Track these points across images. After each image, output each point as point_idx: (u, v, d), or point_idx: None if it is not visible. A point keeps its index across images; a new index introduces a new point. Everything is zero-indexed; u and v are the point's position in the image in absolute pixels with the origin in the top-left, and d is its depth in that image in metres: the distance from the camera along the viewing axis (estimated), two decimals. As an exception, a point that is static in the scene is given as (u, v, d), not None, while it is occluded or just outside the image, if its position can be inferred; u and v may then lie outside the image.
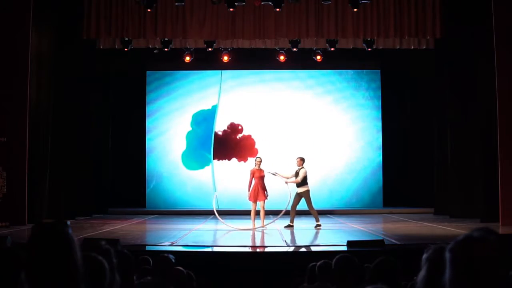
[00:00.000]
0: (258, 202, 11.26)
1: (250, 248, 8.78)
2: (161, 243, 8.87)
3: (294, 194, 11.62)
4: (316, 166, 16.13)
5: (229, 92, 16.93)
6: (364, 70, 16.97)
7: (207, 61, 15.85)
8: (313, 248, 8.57)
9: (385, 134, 16.83)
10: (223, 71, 16.78)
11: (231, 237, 10.46)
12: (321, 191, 16.33)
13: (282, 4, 12.41)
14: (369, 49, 14.23)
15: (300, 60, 15.82)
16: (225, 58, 15.20)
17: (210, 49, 14.40)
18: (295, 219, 11.66)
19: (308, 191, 11.54)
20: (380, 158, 16.76)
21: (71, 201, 13.17)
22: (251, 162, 11.56)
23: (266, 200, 11.27)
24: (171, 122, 16.89)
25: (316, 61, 15.35)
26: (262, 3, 12.74)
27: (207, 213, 15.04)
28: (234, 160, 16.76)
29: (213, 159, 16.76)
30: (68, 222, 2.14)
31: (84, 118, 13.93)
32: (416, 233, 10.45)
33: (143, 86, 16.94)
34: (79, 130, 13.74)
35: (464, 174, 13.18)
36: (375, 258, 3.41)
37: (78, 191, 13.54)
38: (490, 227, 1.86)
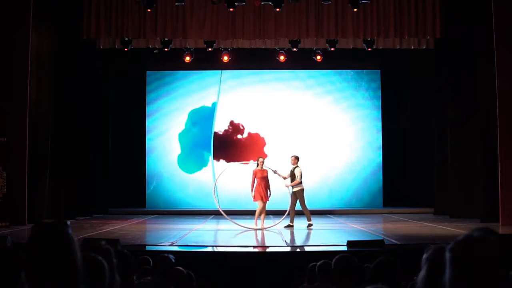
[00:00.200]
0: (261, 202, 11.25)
1: (250, 248, 8.78)
2: (161, 243, 8.87)
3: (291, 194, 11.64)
4: (316, 166, 16.16)
5: (229, 92, 16.93)
6: (364, 70, 16.98)
7: (207, 61, 15.85)
8: (313, 248, 8.57)
9: (385, 134, 16.84)
10: (223, 71, 16.78)
11: (231, 237, 10.46)
12: (321, 191, 16.35)
13: (282, 4, 12.41)
14: (369, 49, 14.23)
15: (300, 60, 15.82)
16: (225, 58, 15.20)
17: (210, 49, 14.40)
18: (295, 219, 11.66)
19: (302, 190, 11.54)
20: (380, 158, 16.76)
21: (71, 201, 13.17)
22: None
23: (266, 202, 11.25)
24: (171, 122, 16.89)
25: (316, 61, 15.35)
26: (262, 3, 12.74)
27: (207, 213, 15.07)
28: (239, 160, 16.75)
29: (214, 159, 16.76)
30: (68, 222, 2.14)
31: (84, 118, 13.93)
32: (416, 233, 10.45)
33: (143, 86, 16.94)
34: (79, 130, 13.74)
35: (464, 174, 13.18)
36: (375, 258, 3.41)
37: (78, 191, 13.54)
38: (490, 227, 1.86)
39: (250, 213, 12.61)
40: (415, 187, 16.09)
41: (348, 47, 14.50)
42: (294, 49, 14.39)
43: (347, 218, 14.03)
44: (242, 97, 16.87)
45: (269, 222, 11.58)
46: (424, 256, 2.55)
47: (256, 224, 11.34)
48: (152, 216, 14.62)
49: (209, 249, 8.70)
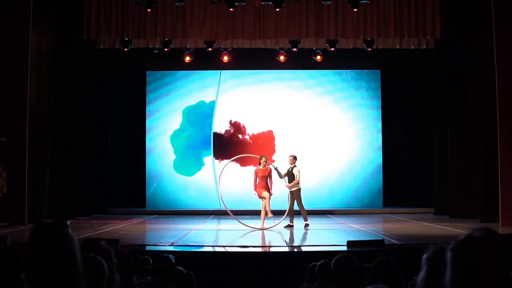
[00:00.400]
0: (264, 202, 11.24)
1: (250, 248, 8.77)
2: (161, 243, 8.87)
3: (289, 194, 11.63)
4: (316, 166, 16.16)
5: (229, 92, 16.92)
6: (364, 70, 16.97)
7: (207, 61, 15.85)
8: (313, 248, 8.56)
9: (385, 134, 16.83)
10: (222, 71, 16.78)
11: (231, 237, 10.46)
12: (321, 191, 16.35)
13: (282, 4, 12.40)
14: (369, 49, 14.22)
15: (300, 60, 15.81)
16: (225, 58, 15.20)
17: (210, 49, 14.40)
18: (294, 219, 11.66)
19: (299, 190, 11.54)
20: (380, 158, 16.76)
21: (71, 201, 13.17)
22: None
23: (271, 195, 11.24)
24: (171, 122, 16.89)
25: (316, 61, 15.35)
26: (262, 3, 12.73)
27: (207, 213, 15.08)
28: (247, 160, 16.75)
29: (215, 159, 16.75)
30: (68, 222, 2.14)
31: (84, 118, 13.93)
32: (416, 233, 10.45)
33: (143, 86, 16.93)
34: (79, 130, 13.74)
35: (464, 174, 13.18)
36: (375, 258, 3.41)
37: (78, 191, 13.54)
38: (490, 227, 1.86)
39: (249, 213, 12.61)
40: (415, 187, 16.08)
41: (348, 47, 14.50)
42: (294, 49, 14.39)
43: (347, 218, 14.03)
44: (242, 97, 16.87)
45: (269, 222, 11.58)
46: (424, 256, 2.55)
47: (263, 224, 11.30)
48: (152, 216, 14.62)
49: (209, 249, 8.69)
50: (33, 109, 11.84)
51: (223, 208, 15.68)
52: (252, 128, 16.83)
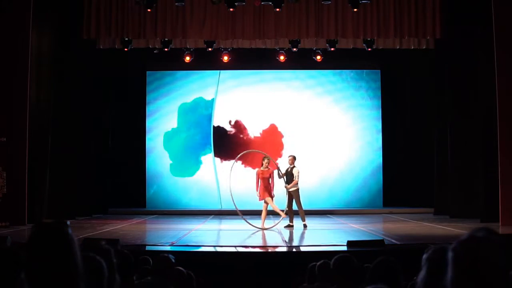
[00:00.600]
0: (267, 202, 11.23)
1: (250, 248, 8.77)
2: (161, 243, 8.87)
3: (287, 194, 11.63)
4: (316, 166, 16.16)
5: (229, 92, 16.92)
6: (364, 70, 16.97)
7: (207, 61, 15.85)
8: (313, 248, 8.56)
9: (385, 134, 16.83)
10: (222, 71, 16.78)
11: (231, 237, 10.46)
12: (321, 191, 16.35)
13: (282, 4, 12.40)
14: (369, 49, 14.22)
15: (300, 60, 15.81)
16: (225, 58, 15.20)
17: (210, 49, 14.40)
18: (294, 218, 11.65)
19: (298, 190, 11.54)
20: (380, 158, 16.76)
21: (71, 201, 13.17)
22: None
23: (270, 198, 11.22)
24: (171, 122, 16.88)
25: (316, 61, 15.35)
26: (262, 3, 12.73)
27: (207, 213, 15.08)
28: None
29: (215, 157, 16.76)
30: (68, 222, 2.14)
31: (84, 118, 13.93)
32: (416, 233, 10.45)
33: (143, 86, 16.94)
34: (79, 130, 13.74)
35: (464, 174, 13.18)
36: (375, 258, 3.41)
37: (78, 191, 13.54)
38: (491, 227, 1.86)
39: (249, 213, 12.60)
40: (415, 187, 16.08)
41: (348, 47, 14.50)
42: (294, 49, 14.39)
43: (347, 218, 14.03)
44: (242, 97, 16.86)
45: (269, 222, 11.58)
46: (424, 256, 2.55)
47: (263, 224, 11.30)
48: (152, 216, 14.62)
49: (209, 249, 8.69)
50: (33, 109, 11.84)
51: (223, 208, 15.79)
52: (252, 128, 16.82)
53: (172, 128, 16.82)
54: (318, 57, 15.19)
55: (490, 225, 9.82)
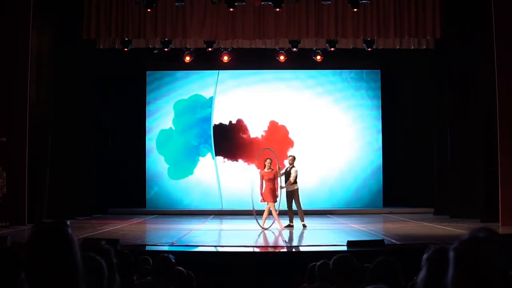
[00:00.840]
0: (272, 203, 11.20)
1: (250, 248, 8.77)
2: (161, 243, 8.87)
3: (286, 194, 11.62)
4: (316, 166, 16.17)
5: (228, 92, 16.92)
6: (364, 70, 16.97)
7: (207, 61, 15.85)
8: (313, 248, 8.56)
9: (385, 134, 16.83)
10: (220, 71, 16.77)
11: (231, 237, 10.46)
12: (321, 191, 16.35)
13: (282, 4, 12.40)
14: (369, 49, 14.22)
15: (300, 60, 15.81)
16: (225, 58, 15.20)
17: (210, 49, 14.40)
18: (294, 218, 11.65)
19: (297, 190, 11.54)
20: (380, 158, 16.76)
21: (71, 201, 13.17)
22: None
23: (273, 203, 11.17)
24: (171, 122, 16.88)
25: (316, 61, 15.34)
26: (262, 3, 12.73)
27: (207, 213, 15.08)
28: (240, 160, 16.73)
29: (218, 158, 16.76)
30: (68, 222, 2.14)
31: (84, 118, 13.93)
32: (416, 233, 10.45)
33: (143, 86, 16.94)
34: (79, 130, 13.74)
35: (464, 174, 13.18)
36: (375, 258, 3.41)
37: (78, 191, 13.54)
38: (491, 228, 1.86)
39: (249, 213, 12.59)
40: (415, 187, 16.08)
41: (348, 47, 14.50)
42: (294, 49, 14.38)
43: (347, 218, 14.03)
44: (242, 97, 16.86)
45: (269, 222, 11.58)
46: (424, 256, 2.55)
47: (264, 224, 11.27)
48: (152, 216, 14.61)
49: (209, 249, 8.69)
50: (33, 109, 11.84)
51: (223, 208, 15.81)
52: (252, 128, 16.81)
53: (169, 127, 16.81)
54: (318, 57, 15.19)
55: (490, 225, 9.83)
